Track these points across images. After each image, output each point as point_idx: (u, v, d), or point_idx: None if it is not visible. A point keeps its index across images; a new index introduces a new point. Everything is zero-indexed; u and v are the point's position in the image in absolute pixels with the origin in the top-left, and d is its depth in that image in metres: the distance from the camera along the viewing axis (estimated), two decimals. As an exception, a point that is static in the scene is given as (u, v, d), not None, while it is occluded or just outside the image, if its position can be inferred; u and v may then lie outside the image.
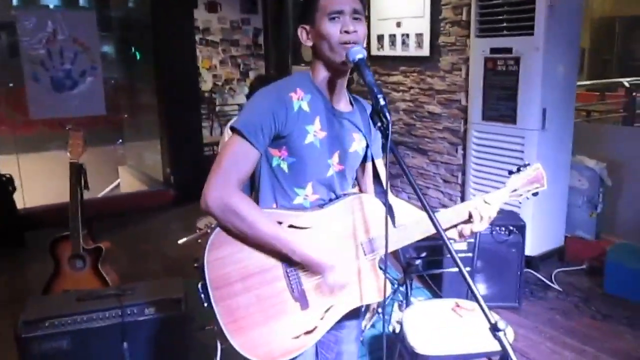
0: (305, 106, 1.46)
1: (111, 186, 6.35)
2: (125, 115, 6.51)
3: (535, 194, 1.64)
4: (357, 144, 1.57)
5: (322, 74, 1.50)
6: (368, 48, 4.57)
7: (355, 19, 1.44)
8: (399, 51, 4.33)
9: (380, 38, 4.48)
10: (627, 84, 6.01)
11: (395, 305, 2.97)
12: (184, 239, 2.50)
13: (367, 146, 1.61)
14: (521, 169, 1.63)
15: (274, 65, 7.26)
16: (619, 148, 3.86)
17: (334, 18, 1.42)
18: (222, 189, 1.38)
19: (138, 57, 6.09)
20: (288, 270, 1.45)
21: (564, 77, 3.53)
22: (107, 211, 4.92)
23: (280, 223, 1.43)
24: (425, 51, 4.11)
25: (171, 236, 3.78)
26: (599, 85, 7.66)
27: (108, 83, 6.13)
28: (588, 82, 7.69)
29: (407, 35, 4.24)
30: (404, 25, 4.25)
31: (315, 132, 1.47)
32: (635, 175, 3.76)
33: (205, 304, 1.39)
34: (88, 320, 2.26)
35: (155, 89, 5.55)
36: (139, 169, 6.30)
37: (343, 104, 1.55)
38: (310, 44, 1.49)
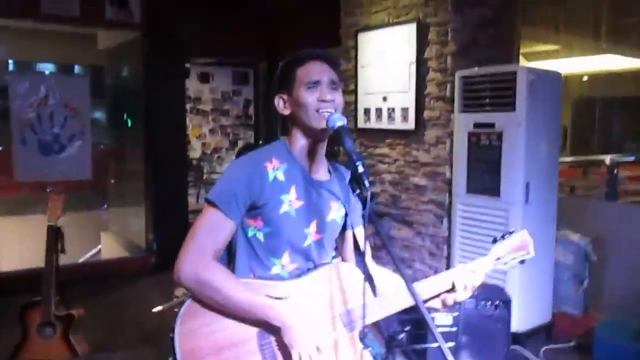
0: (280, 176, 1.46)
1: (92, 252, 6.22)
2: (112, 181, 6.49)
3: (522, 262, 1.60)
4: (335, 213, 1.56)
5: (300, 141, 1.51)
6: (355, 120, 4.66)
7: (333, 88, 1.47)
8: (385, 124, 4.42)
9: (366, 111, 4.58)
10: (608, 161, 6.13)
11: (379, 382, 2.85)
12: (159, 307, 2.42)
13: (347, 214, 1.59)
14: (505, 236, 1.61)
15: (263, 136, 7.38)
16: (603, 223, 3.88)
17: (311, 87, 1.45)
18: (196, 262, 1.36)
19: (129, 124, 6.16)
20: (262, 344, 1.39)
21: (547, 152, 3.59)
22: (86, 277, 4.79)
23: None
24: (410, 125, 4.19)
25: (149, 305, 3.65)
26: (582, 162, 7.83)
27: (97, 148, 6.16)
28: (570, 159, 7.86)
29: (393, 109, 4.34)
30: (390, 99, 4.35)
31: (290, 202, 1.46)
32: (620, 250, 3.75)
33: None
34: (52, 393, 2.14)
35: (144, 155, 5.57)
36: (121, 235, 6.20)
37: (321, 173, 1.55)
38: (287, 112, 1.51)
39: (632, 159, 8.57)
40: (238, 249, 1.48)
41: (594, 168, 7.60)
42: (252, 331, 1.39)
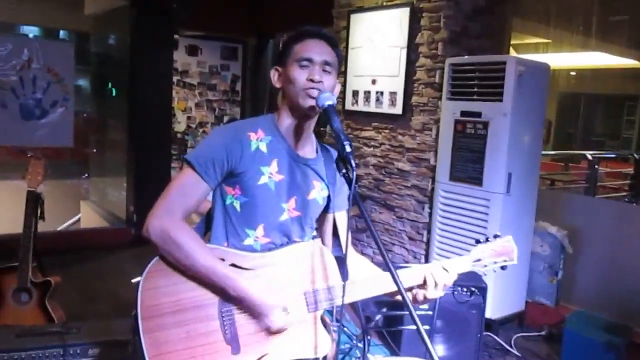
0: (263, 147, 1.46)
1: (71, 220, 6.16)
2: (94, 150, 6.41)
3: (503, 268, 1.59)
4: (317, 192, 1.55)
5: (287, 117, 1.51)
6: (343, 102, 4.65)
7: (325, 70, 1.46)
8: (372, 107, 4.41)
9: (355, 93, 4.56)
10: (589, 157, 6.22)
11: (353, 361, 2.89)
12: (138, 279, 2.41)
13: (329, 197, 1.58)
14: (490, 239, 1.59)
15: (250, 112, 7.32)
16: (580, 217, 3.95)
17: (303, 65, 1.44)
18: (165, 217, 1.37)
19: (114, 94, 6.06)
20: (223, 310, 1.40)
21: (530, 144, 3.63)
22: (64, 246, 4.75)
23: (222, 260, 1.40)
24: (398, 109, 4.19)
25: (127, 276, 3.62)
26: (564, 156, 7.95)
27: (79, 116, 6.07)
28: (553, 152, 7.97)
29: (382, 93, 4.33)
30: (379, 83, 4.35)
31: (271, 174, 1.45)
32: (594, 245, 3.83)
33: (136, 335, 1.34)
34: (26, 358, 2.13)
35: (127, 126, 5.50)
36: (101, 205, 6.15)
37: (307, 150, 1.54)
38: (279, 86, 1.51)
39: (612, 155, 8.73)
40: (215, 216, 1.48)
41: (574, 163, 7.74)
42: (215, 297, 1.40)
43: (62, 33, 7.40)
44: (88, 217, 6.16)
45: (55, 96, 4.76)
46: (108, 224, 5.72)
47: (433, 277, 1.48)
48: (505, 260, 1.59)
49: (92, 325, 2.37)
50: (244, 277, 1.39)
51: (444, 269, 1.51)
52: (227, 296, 1.39)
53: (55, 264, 3.33)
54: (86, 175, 6.67)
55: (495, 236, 1.60)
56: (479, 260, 1.57)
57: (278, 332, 1.41)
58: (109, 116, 6.15)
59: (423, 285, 1.50)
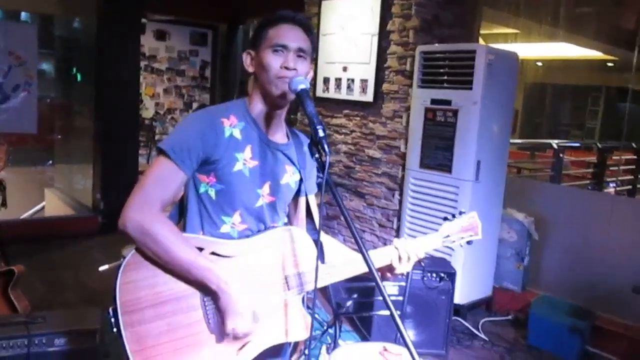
0: (237, 133, 1.43)
1: (35, 208, 6.01)
2: (59, 136, 6.24)
3: (469, 242, 1.66)
4: (290, 177, 1.54)
5: (259, 103, 1.49)
6: (314, 89, 4.63)
7: (299, 56, 1.44)
8: (343, 95, 4.41)
9: (326, 80, 4.55)
10: (555, 146, 6.34)
11: (323, 348, 2.90)
12: (106, 266, 2.37)
13: (301, 180, 1.58)
14: (456, 216, 1.66)
15: (219, 99, 7.24)
16: (546, 204, 4.03)
17: (277, 51, 1.42)
18: (142, 210, 1.32)
19: (79, 78, 5.90)
20: (205, 300, 1.38)
21: (499, 132, 3.68)
22: (28, 234, 4.63)
23: (201, 249, 1.37)
24: (369, 97, 4.20)
25: (94, 265, 3.56)
26: (530, 145, 8.09)
27: (43, 101, 5.89)
28: (520, 141, 8.11)
29: (353, 80, 4.33)
30: (350, 70, 4.34)
31: (245, 161, 1.44)
32: (560, 231, 3.92)
33: (115, 329, 1.30)
34: (-11, 349, 2.07)
35: (94, 112, 5.37)
36: (67, 193, 6.00)
37: (279, 136, 1.53)
38: (251, 70, 1.49)
39: (577, 145, 8.93)
40: (189, 205, 1.45)
41: (541, 152, 7.89)
42: (197, 285, 1.37)
43: (24, 15, 7.15)
44: (53, 205, 6.01)
45: (17, 80, 4.61)
46: (74, 212, 5.59)
47: (405, 251, 1.52)
48: (471, 235, 1.66)
49: (58, 315, 2.32)
50: (224, 271, 1.36)
51: (416, 244, 1.56)
52: (206, 289, 1.36)
53: (19, 253, 3.24)
54: (50, 162, 6.50)
55: (461, 213, 1.67)
56: (447, 236, 1.64)
57: (237, 337, 1.37)
58: (75, 101, 5.99)
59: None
